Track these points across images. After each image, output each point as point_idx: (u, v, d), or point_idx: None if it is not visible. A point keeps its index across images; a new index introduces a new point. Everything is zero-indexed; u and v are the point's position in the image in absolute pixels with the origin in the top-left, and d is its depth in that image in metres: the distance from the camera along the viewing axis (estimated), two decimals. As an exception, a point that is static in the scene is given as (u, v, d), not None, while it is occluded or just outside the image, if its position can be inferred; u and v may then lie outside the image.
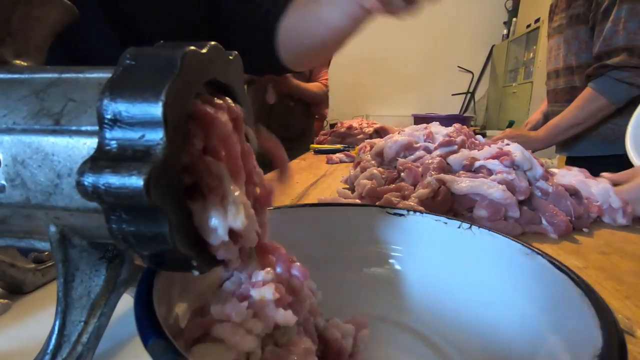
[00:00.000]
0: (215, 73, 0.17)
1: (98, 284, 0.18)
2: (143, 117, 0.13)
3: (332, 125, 1.80)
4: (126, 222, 0.13)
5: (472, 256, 0.25)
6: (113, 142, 0.13)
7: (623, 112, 0.86)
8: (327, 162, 1.03)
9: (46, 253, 0.28)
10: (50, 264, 0.28)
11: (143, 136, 0.13)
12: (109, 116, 0.13)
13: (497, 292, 0.23)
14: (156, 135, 0.13)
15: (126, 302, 0.25)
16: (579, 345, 0.15)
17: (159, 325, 0.13)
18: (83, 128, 0.14)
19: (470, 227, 0.25)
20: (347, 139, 1.37)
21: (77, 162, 0.14)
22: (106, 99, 0.13)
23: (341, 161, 1.04)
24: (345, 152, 1.11)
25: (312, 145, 1.35)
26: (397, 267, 0.28)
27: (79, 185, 0.12)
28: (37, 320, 0.24)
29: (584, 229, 0.50)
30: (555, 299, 0.19)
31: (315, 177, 0.83)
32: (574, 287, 0.17)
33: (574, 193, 0.53)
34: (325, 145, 1.31)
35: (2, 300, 0.25)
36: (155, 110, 0.13)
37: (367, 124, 1.57)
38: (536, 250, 0.21)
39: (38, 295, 0.27)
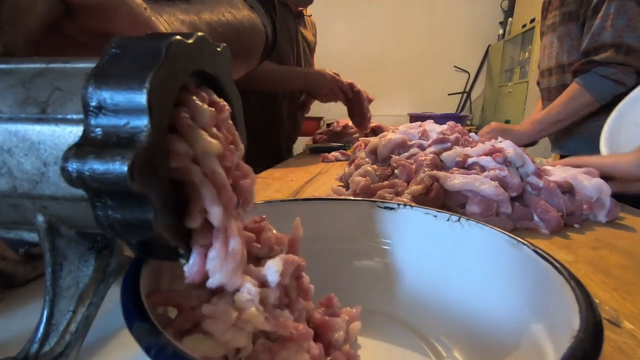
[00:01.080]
0: (202, 64, 0.17)
1: (87, 274, 0.18)
2: (128, 105, 0.13)
3: (329, 125, 1.81)
4: (112, 208, 0.13)
5: (461, 248, 0.25)
6: (98, 129, 0.13)
7: (611, 109, 0.86)
8: (323, 161, 1.03)
9: (37, 246, 0.28)
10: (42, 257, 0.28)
11: (128, 123, 0.13)
12: (93, 104, 0.13)
13: (485, 282, 0.23)
14: (141, 122, 0.13)
15: (116, 295, 0.25)
16: (560, 330, 0.15)
17: (143, 309, 0.13)
18: (69, 116, 0.15)
19: (459, 220, 0.26)
20: (343, 137, 1.37)
21: (63, 150, 0.14)
22: (91, 87, 0.13)
23: (337, 159, 1.04)
24: (341, 150, 1.11)
25: (307, 144, 1.35)
26: (388, 259, 0.29)
27: (64, 171, 0.12)
28: (27, 312, 0.24)
29: (576, 225, 0.50)
30: (539, 287, 0.19)
31: (310, 175, 0.83)
32: (557, 275, 0.17)
33: (567, 190, 0.54)
34: (321, 144, 1.31)
35: (-8, 294, 0.25)
36: (140, 97, 0.13)
37: (364, 123, 1.57)
38: (521, 240, 0.21)
39: (29, 289, 0.27)
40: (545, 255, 0.19)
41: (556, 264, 0.18)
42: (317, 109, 2.20)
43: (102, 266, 0.19)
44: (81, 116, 0.14)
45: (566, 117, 0.88)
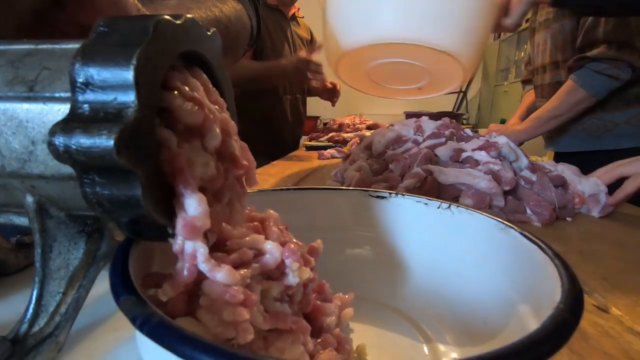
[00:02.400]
0: (190, 45, 0.17)
1: (77, 257, 0.19)
2: (115, 81, 0.13)
3: (325, 124, 1.81)
4: (99, 185, 0.14)
5: (452, 234, 0.25)
6: (85, 105, 0.13)
7: (606, 106, 0.86)
8: (319, 158, 1.03)
9: (28, 235, 0.28)
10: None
11: (115, 99, 0.13)
12: (80, 80, 0.13)
13: (475, 267, 0.24)
14: (127, 98, 0.13)
15: (107, 280, 0.25)
16: (545, 307, 0.16)
17: (130, 283, 0.13)
18: (57, 94, 0.15)
19: (449, 207, 0.26)
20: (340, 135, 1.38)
21: (52, 128, 0.15)
22: (78, 64, 0.13)
23: (332, 157, 1.04)
24: (337, 148, 1.11)
25: (305, 142, 1.35)
26: (379, 248, 0.29)
27: (51, 145, 0.12)
28: (19, 300, 0.24)
29: (568, 218, 0.51)
30: (526, 269, 0.19)
31: (306, 172, 0.83)
32: (542, 254, 0.18)
33: (560, 184, 0.54)
34: (317, 142, 1.32)
35: (-17, 281, 0.25)
36: (127, 73, 0.13)
37: (360, 121, 1.58)
38: (510, 225, 0.21)
39: (20, 277, 0.27)
40: (531, 236, 0.19)
41: (541, 244, 0.18)
42: (313, 108, 2.20)
43: (93, 249, 0.19)
44: (69, 94, 0.14)
45: (563, 112, 0.88)
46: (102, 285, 0.20)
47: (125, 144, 0.12)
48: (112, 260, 0.15)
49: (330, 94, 1.38)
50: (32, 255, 0.28)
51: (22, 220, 0.19)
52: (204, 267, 0.15)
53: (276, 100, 1.33)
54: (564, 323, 0.12)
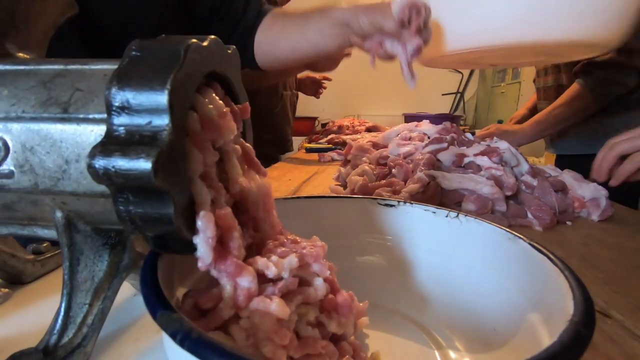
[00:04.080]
0: (214, 65, 0.18)
1: (101, 269, 0.19)
2: (150, 105, 0.14)
3: (324, 125, 1.82)
4: (133, 204, 0.14)
5: (460, 242, 0.26)
6: (121, 128, 0.14)
7: (607, 110, 0.87)
8: (319, 160, 1.04)
9: (45, 244, 0.29)
10: (49, 254, 0.28)
11: (150, 122, 0.14)
12: (117, 104, 0.14)
13: (483, 275, 0.24)
14: (162, 121, 0.13)
15: (127, 291, 0.25)
16: (556, 318, 0.16)
17: (164, 298, 0.14)
18: (90, 116, 0.15)
19: (457, 216, 0.27)
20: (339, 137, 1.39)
21: (85, 148, 0.15)
22: (114, 88, 0.14)
23: (333, 159, 1.05)
24: (338, 150, 1.12)
25: (304, 144, 1.36)
26: (389, 255, 0.29)
27: (90, 168, 0.13)
28: (37, 308, 0.25)
29: (568, 222, 0.52)
30: (535, 279, 0.20)
31: (307, 175, 0.84)
32: (552, 266, 0.18)
33: (560, 189, 0.55)
34: (317, 144, 1.32)
35: (2, 290, 0.25)
36: (162, 98, 0.14)
37: (359, 122, 1.59)
38: (518, 235, 0.22)
39: (37, 286, 0.27)
40: (541, 247, 0.20)
41: (551, 255, 0.19)
42: (311, 109, 2.20)
43: (116, 261, 0.20)
44: (102, 116, 0.15)
45: (567, 117, 0.88)
46: (120, 294, 0.20)
47: (161, 166, 0.13)
48: (141, 275, 0.16)
49: (316, 86, 1.42)
50: (49, 264, 0.28)
51: (46, 233, 0.20)
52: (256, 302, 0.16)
53: (277, 98, 1.32)
54: (579, 336, 0.12)
